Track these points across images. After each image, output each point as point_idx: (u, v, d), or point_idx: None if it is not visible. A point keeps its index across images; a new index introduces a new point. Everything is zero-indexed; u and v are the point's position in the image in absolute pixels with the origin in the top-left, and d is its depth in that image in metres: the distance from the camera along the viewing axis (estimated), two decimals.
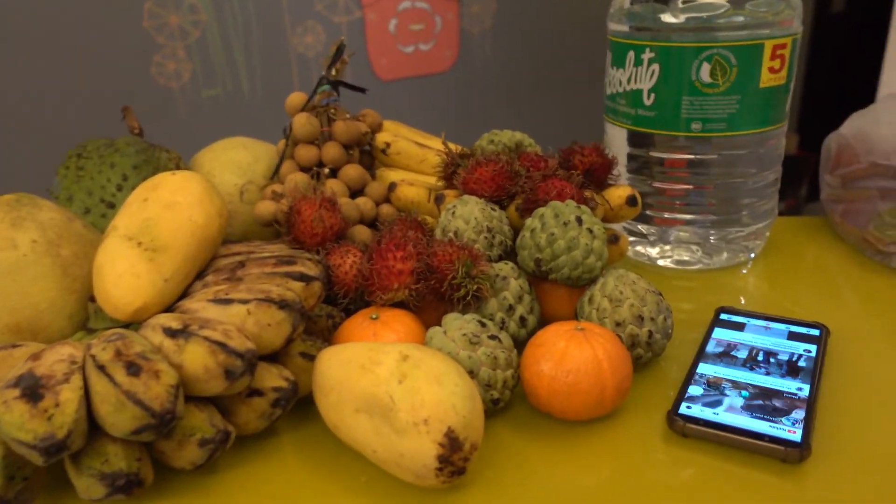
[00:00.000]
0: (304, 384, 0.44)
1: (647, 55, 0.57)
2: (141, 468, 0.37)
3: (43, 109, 1.41)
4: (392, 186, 0.60)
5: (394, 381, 0.37)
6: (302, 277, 0.44)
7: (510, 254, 0.53)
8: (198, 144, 0.67)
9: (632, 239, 0.66)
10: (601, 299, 0.47)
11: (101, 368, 0.35)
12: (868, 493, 0.37)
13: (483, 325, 0.44)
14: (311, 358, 0.44)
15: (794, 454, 0.38)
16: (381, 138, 0.64)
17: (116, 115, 1.44)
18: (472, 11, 1.83)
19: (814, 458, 0.39)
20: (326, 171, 0.59)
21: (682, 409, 0.42)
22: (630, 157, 0.62)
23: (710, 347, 0.48)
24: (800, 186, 2.15)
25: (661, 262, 0.64)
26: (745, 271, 0.63)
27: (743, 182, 0.60)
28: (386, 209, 0.59)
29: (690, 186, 0.61)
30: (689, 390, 0.44)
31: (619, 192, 0.56)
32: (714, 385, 0.44)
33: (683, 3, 0.55)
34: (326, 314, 0.49)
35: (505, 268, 0.49)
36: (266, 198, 0.58)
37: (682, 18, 0.56)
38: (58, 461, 0.37)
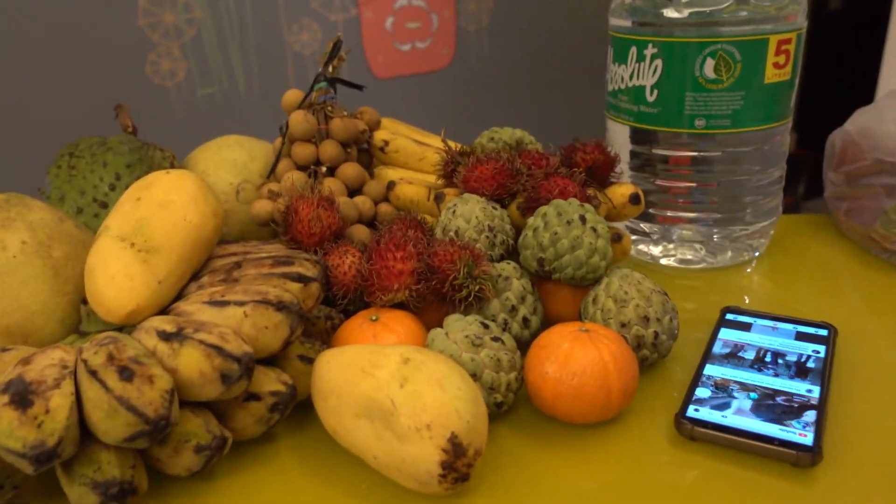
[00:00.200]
0: (302, 388, 0.43)
1: (649, 51, 0.56)
2: (135, 476, 0.36)
3: (35, 108, 1.39)
4: (391, 185, 0.59)
5: (395, 384, 0.36)
6: (300, 278, 0.43)
7: (512, 253, 0.52)
8: (193, 143, 0.66)
9: (634, 237, 0.65)
10: (605, 300, 0.46)
11: (93, 373, 0.34)
12: (883, 499, 0.36)
13: (486, 326, 0.43)
14: (309, 361, 0.43)
15: (806, 458, 0.37)
16: (380, 136, 0.63)
17: (110, 113, 1.42)
18: (468, 9, 1.82)
19: (826, 463, 0.38)
20: (324, 169, 0.58)
21: (690, 411, 0.41)
22: (632, 155, 0.61)
23: (717, 348, 0.47)
24: (798, 184, 2.14)
25: (663, 261, 0.63)
26: (749, 270, 0.62)
27: (747, 179, 0.59)
28: (384, 208, 0.58)
29: (694, 184, 0.60)
30: (696, 392, 0.43)
31: (621, 191, 0.55)
32: (722, 387, 0.43)
33: None
34: (325, 315, 0.48)
35: (507, 268, 0.48)
36: (262, 197, 0.57)
37: (685, 13, 0.55)
38: (49, 469, 0.36)
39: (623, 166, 0.62)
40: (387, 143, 0.63)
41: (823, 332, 0.48)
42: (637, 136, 0.60)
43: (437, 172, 0.57)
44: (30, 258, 0.43)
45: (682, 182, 0.60)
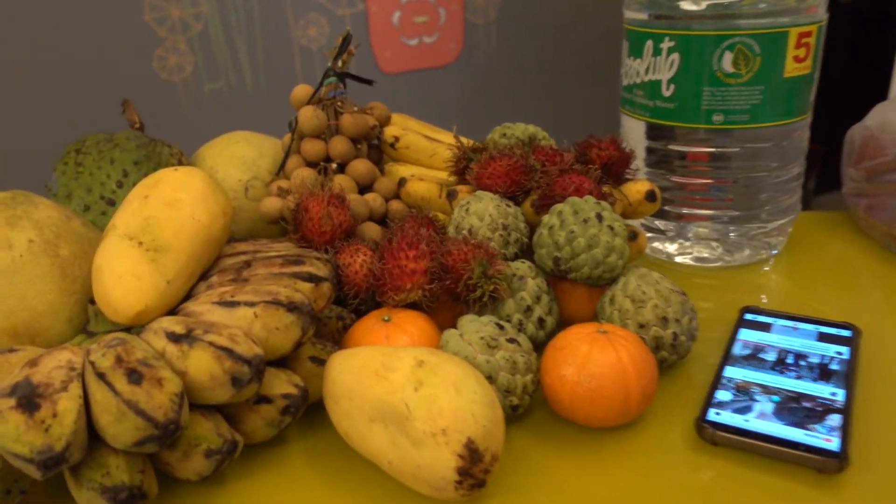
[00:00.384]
0: (314, 390, 0.42)
1: (666, 44, 0.55)
2: (144, 480, 0.35)
3: (41, 104, 1.39)
4: (402, 182, 0.58)
5: (409, 388, 0.35)
6: (311, 278, 0.42)
7: (526, 252, 0.51)
8: (201, 139, 0.65)
9: (648, 235, 0.63)
10: (623, 300, 0.45)
11: (101, 376, 0.33)
12: None
13: (501, 327, 0.42)
14: (321, 362, 0.42)
15: (832, 464, 0.36)
16: (390, 132, 0.62)
17: (117, 109, 1.42)
18: (476, 3, 1.80)
19: (852, 469, 0.37)
20: (334, 166, 0.57)
21: (711, 415, 0.40)
22: (648, 151, 0.60)
23: (737, 349, 0.46)
24: (808, 179, 2.12)
25: (678, 259, 0.62)
26: (766, 268, 0.61)
27: (766, 176, 0.58)
28: (395, 205, 0.57)
29: (711, 181, 0.58)
30: (716, 395, 0.42)
31: (637, 187, 0.54)
32: (743, 390, 0.42)
33: None
34: (336, 316, 0.47)
35: (522, 267, 0.47)
36: (272, 194, 0.56)
37: (702, 6, 0.53)
38: (57, 473, 0.35)
39: (638, 162, 0.61)
40: (397, 139, 0.62)
41: (846, 333, 0.47)
42: (653, 132, 0.59)
43: (448, 169, 0.56)
44: (37, 257, 0.42)
45: (699, 179, 0.59)
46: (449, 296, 0.45)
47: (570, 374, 0.39)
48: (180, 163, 0.59)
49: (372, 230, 0.54)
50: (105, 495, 0.34)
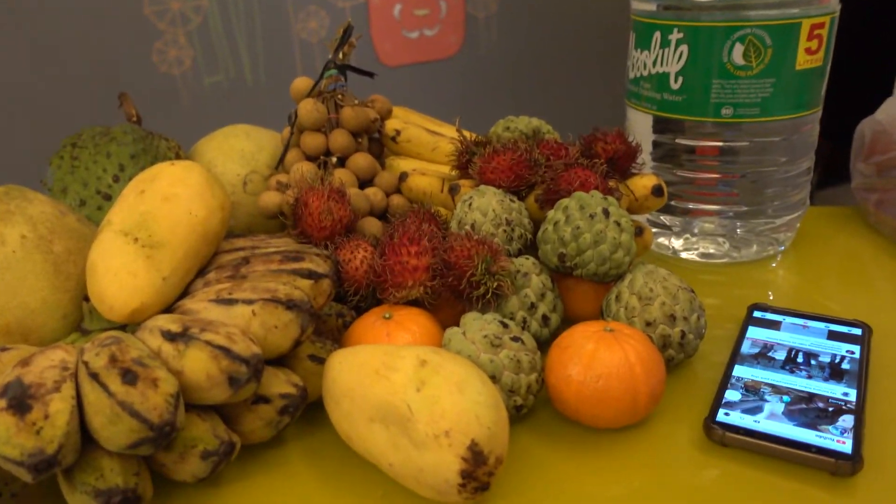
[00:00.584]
0: (313, 389, 0.41)
1: (674, 36, 0.54)
2: (139, 483, 0.34)
3: (38, 97, 1.38)
4: (403, 176, 0.57)
5: (411, 388, 0.34)
6: (310, 275, 0.41)
7: (530, 248, 0.49)
8: (200, 133, 0.64)
9: (653, 230, 0.62)
10: (629, 297, 0.44)
11: (95, 377, 0.32)
12: None
13: (505, 325, 0.41)
14: (320, 361, 0.42)
15: (846, 467, 0.35)
16: (391, 125, 0.61)
17: (114, 103, 1.40)
18: None
19: (866, 471, 0.36)
20: (334, 160, 0.56)
21: (720, 416, 0.39)
22: (655, 145, 0.59)
23: (745, 348, 0.45)
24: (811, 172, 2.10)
25: (684, 255, 0.61)
26: (774, 265, 0.60)
27: (775, 171, 0.57)
28: (397, 200, 0.56)
29: (718, 175, 0.57)
30: (725, 395, 0.41)
31: (643, 182, 0.53)
32: (752, 389, 0.41)
33: None
34: (336, 313, 0.46)
35: (526, 263, 0.46)
36: (270, 188, 0.55)
37: None
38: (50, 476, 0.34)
39: (644, 156, 0.60)
40: (399, 132, 0.61)
41: (857, 332, 0.46)
42: (660, 126, 0.58)
43: (451, 163, 0.55)
44: (30, 253, 0.41)
45: (706, 173, 0.57)
46: (451, 293, 0.44)
47: (577, 374, 0.38)
48: (178, 156, 0.58)
49: (372, 225, 0.53)
50: (98, 499, 0.33)
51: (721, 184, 0.57)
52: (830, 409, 0.39)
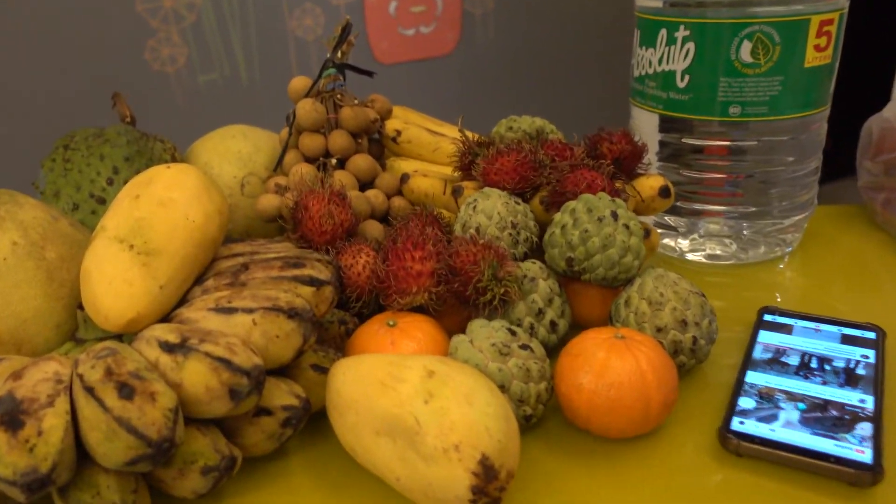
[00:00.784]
0: (316, 399, 0.40)
1: (681, 33, 0.53)
2: (137, 500, 0.33)
3: (29, 97, 1.36)
4: (405, 178, 0.55)
5: (419, 400, 0.33)
6: (312, 281, 0.40)
7: (535, 251, 0.48)
8: (195, 133, 0.63)
9: (659, 231, 0.61)
10: (639, 302, 0.42)
11: (90, 391, 0.31)
12: None
13: (513, 333, 0.40)
14: (323, 370, 0.40)
15: (866, 477, 0.34)
16: (392, 126, 0.60)
17: (107, 103, 1.38)
18: None
19: (887, 481, 0.35)
20: (334, 161, 0.54)
21: (735, 424, 0.38)
22: (661, 144, 0.58)
23: (757, 353, 0.44)
24: None
25: (690, 256, 0.60)
26: (781, 266, 0.59)
27: (783, 170, 0.56)
28: (398, 202, 0.55)
29: (725, 175, 0.56)
30: (739, 403, 0.40)
31: (650, 183, 0.52)
32: (766, 396, 0.40)
33: None
34: (338, 320, 0.45)
35: (533, 268, 0.45)
36: (269, 191, 0.54)
37: None
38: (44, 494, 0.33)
39: (650, 156, 0.59)
40: (399, 132, 0.60)
41: (871, 335, 0.45)
42: (666, 125, 0.57)
43: (453, 164, 0.54)
44: (21, 260, 0.40)
45: (713, 173, 0.56)
46: (457, 299, 0.43)
47: (588, 383, 0.37)
48: (173, 158, 0.56)
49: (374, 229, 0.51)
50: None
51: (728, 184, 0.56)
52: (847, 416, 0.38)
